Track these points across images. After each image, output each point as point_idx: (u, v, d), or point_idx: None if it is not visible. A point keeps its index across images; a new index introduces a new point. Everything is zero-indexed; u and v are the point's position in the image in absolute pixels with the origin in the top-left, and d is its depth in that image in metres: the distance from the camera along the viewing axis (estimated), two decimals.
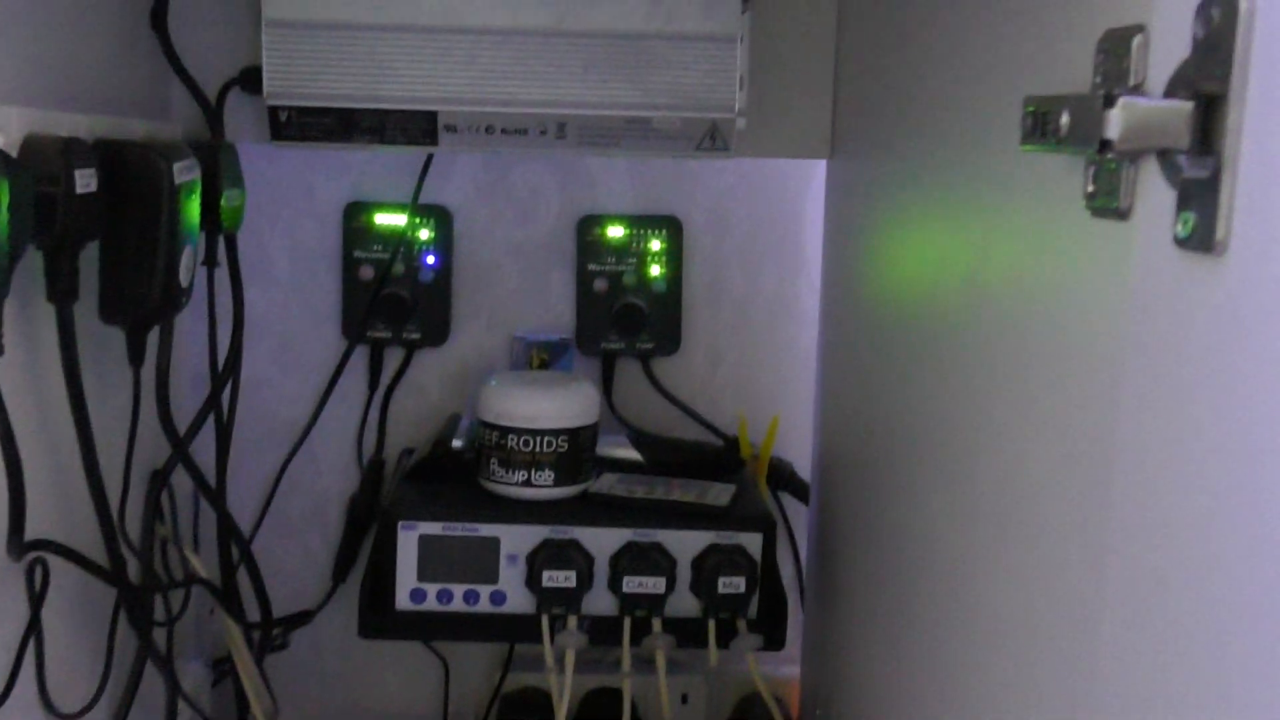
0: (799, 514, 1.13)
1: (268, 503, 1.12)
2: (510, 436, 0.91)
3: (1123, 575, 0.46)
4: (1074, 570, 0.51)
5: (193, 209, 0.76)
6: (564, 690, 0.87)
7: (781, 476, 1.12)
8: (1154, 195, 0.44)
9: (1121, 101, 0.43)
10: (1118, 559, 0.47)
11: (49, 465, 0.69)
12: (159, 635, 0.83)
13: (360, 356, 1.11)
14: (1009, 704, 0.58)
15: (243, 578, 0.97)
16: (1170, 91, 0.43)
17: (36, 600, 0.67)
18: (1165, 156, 0.43)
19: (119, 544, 0.74)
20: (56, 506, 0.70)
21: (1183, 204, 0.42)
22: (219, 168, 0.86)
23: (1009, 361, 0.60)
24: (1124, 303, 0.47)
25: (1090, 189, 0.49)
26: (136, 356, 0.74)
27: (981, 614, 0.62)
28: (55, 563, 0.69)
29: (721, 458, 1.04)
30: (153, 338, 0.77)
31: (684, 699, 1.10)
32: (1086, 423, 0.50)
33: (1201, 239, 0.40)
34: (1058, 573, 0.53)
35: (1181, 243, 0.42)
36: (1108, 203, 0.48)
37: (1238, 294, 0.39)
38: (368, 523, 1.11)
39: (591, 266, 1.10)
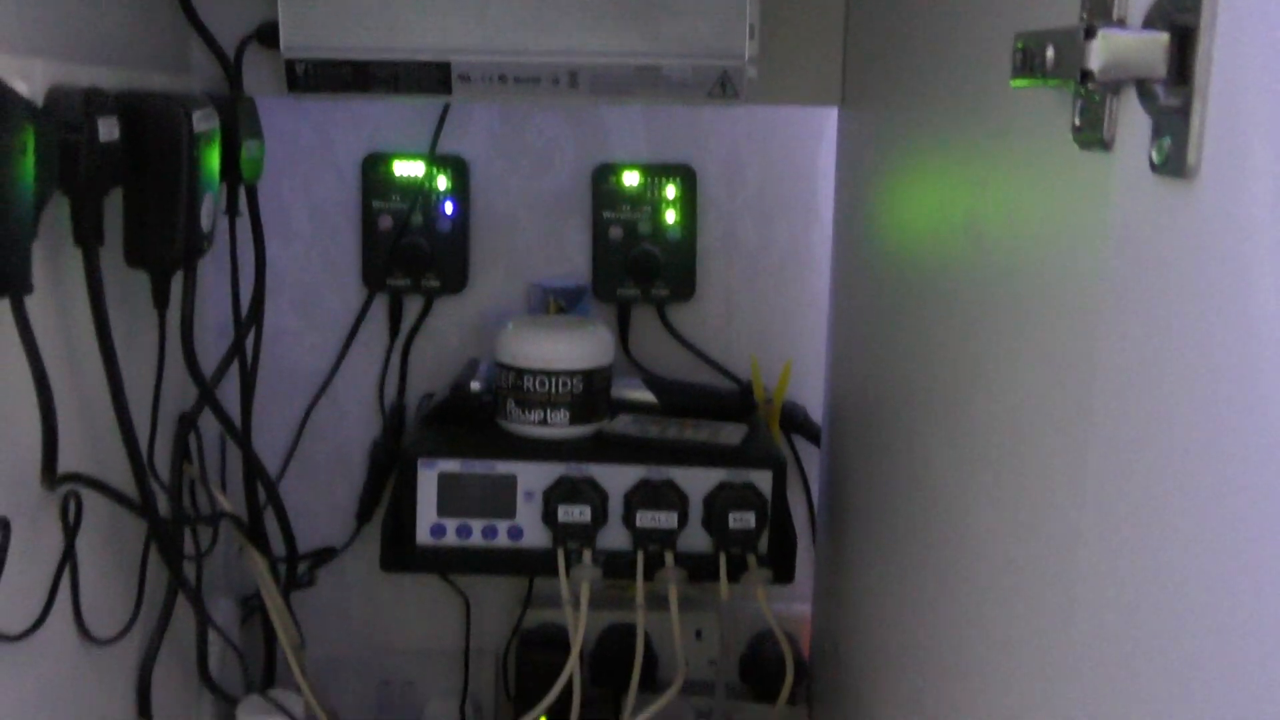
0: (812, 457, 1.15)
1: (292, 449, 1.15)
2: (526, 378, 0.93)
3: (1102, 491, 0.48)
4: (1059, 492, 0.53)
5: (212, 157, 0.78)
6: (580, 622, 0.89)
7: (794, 420, 1.14)
8: (1133, 125, 0.46)
9: (1101, 33, 0.44)
10: (1098, 477, 0.49)
11: (78, 404, 0.72)
12: (189, 570, 0.86)
13: (380, 305, 1.14)
14: (1001, 626, 0.60)
15: (269, 521, 1.00)
16: (1148, 23, 0.45)
17: (71, 531, 0.70)
18: (1144, 87, 0.45)
19: (148, 480, 0.77)
20: (87, 445, 0.73)
21: (1158, 132, 0.43)
22: (238, 120, 0.88)
23: (1003, 297, 0.61)
24: (1106, 230, 0.48)
25: (1078, 123, 0.51)
26: (161, 300, 0.77)
27: (974, 541, 0.64)
28: (88, 498, 0.72)
29: (735, 401, 1.06)
30: (176, 287, 0.79)
31: (698, 635, 1.12)
32: (1070, 348, 0.52)
33: (1175, 165, 0.42)
34: (1044, 496, 0.54)
35: (1157, 169, 0.43)
36: (1093, 135, 0.49)
37: (1209, 216, 0.40)
38: (390, 467, 1.13)
39: (607, 214, 1.12)
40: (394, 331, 1.14)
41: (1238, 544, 0.38)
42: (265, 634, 1.02)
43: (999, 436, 0.61)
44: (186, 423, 0.88)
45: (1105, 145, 0.48)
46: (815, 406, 1.14)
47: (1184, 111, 0.41)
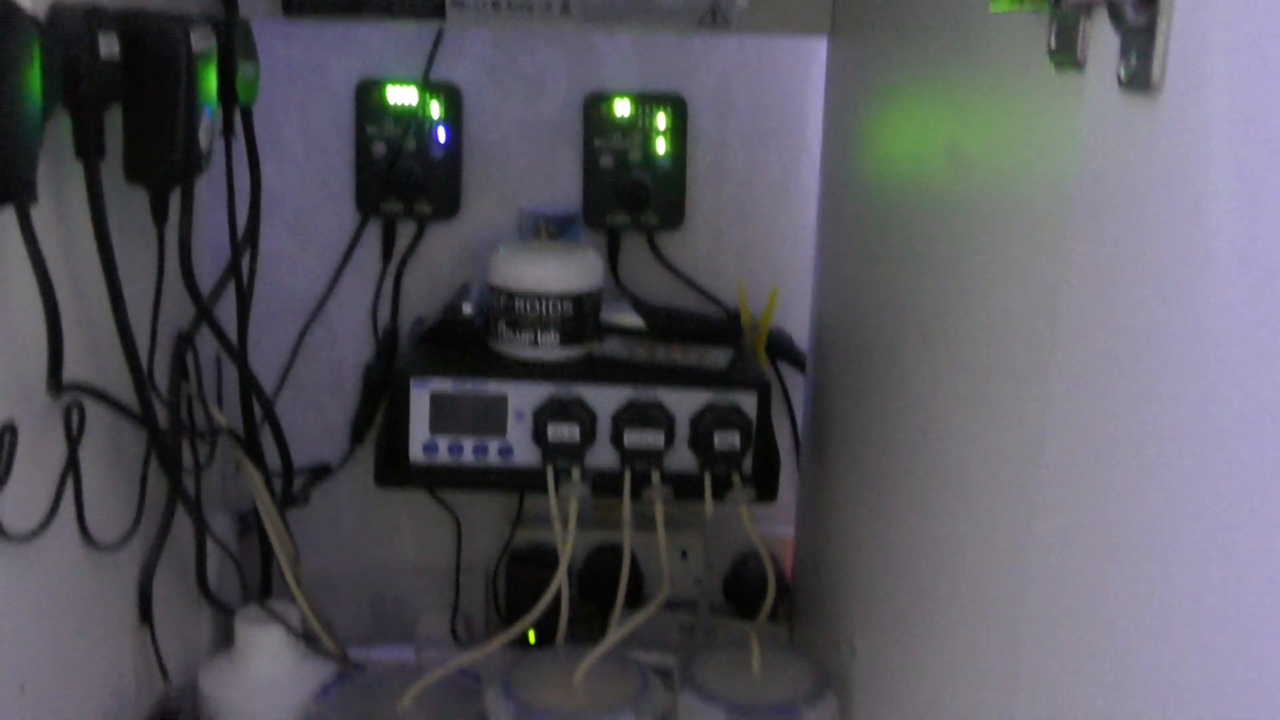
0: (797, 383, 1.18)
1: (287, 371, 1.17)
2: (517, 300, 0.95)
3: (1064, 400, 0.51)
4: (1025, 404, 0.55)
5: (209, 77, 0.79)
6: (568, 538, 0.92)
7: (780, 346, 1.16)
8: (1103, 44, 0.48)
9: None
10: (1060, 388, 0.51)
11: (79, 316, 0.73)
12: (188, 483, 0.89)
13: (374, 230, 1.15)
14: (973, 540, 0.63)
15: (265, 439, 1.02)
16: None
17: (74, 440, 0.72)
18: (1114, 7, 0.47)
19: (149, 391, 0.79)
20: (88, 357, 0.75)
21: (1126, 50, 0.45)
22: (234, 41, 0.89)
23: (982, 218, 0.63)
24: (1078, 147, 0.50)
25: (1053, 44, 0.52)
26: (160, 215, 0.78)
27: (948, 459, 0.66)
28: (90, 409, 0.74)
29: (722, 327, 1.08)
30: (175, 207, 0.80)
31: (683, 555, 1.15)
32: (1041, 263, 0.54)
33: (1140, 80, 0.44)
34: (1012, 409, 0.57)
35: (1124, 85, 0.45)
36: (1067, 56, 0.51)
37: (1171, 128, 0.42)
38: (383, 389, 1.15)
39: (598, 143, 1.13)
40: (387, 256, 1.16)
41: (1188, 441, 0.40)
42: (262, 549, 1.05)
43: (973, 355, 0.63)
44: (184, 341, 0.90)
45: (1078, 65, 0.50)
46: (801, 335, 1.16)
47: (1149, 29, 0.43)
